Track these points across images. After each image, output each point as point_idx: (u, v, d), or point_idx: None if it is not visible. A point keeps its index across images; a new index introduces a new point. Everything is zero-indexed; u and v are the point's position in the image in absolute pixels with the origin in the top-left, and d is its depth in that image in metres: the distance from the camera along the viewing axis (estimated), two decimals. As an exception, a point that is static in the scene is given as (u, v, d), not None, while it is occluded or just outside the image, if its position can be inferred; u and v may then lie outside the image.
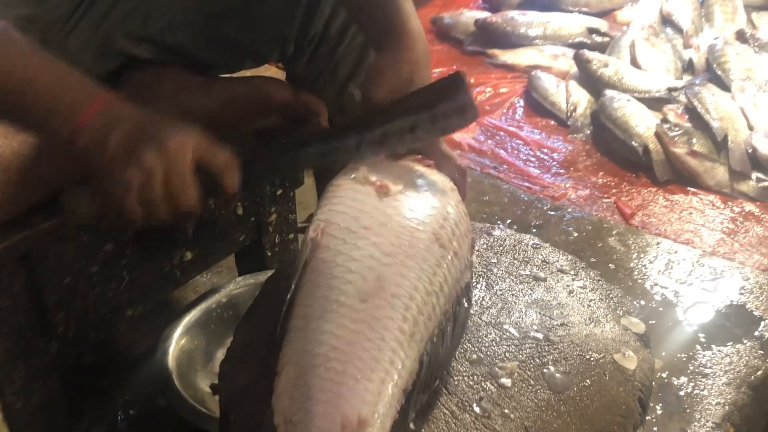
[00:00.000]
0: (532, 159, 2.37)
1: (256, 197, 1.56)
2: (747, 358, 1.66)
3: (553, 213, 2.13)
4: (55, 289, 1.27)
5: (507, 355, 0.95)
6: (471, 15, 3.07)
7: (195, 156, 0.99)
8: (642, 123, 2.32)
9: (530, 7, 3.06)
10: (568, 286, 1.08)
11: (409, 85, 1.15)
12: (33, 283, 1.24)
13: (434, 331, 0.87)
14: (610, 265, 1.93)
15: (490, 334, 0.98)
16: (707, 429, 1.52)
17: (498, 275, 1.09)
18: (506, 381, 0.91)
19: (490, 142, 2.44)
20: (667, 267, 1.93)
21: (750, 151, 2.23)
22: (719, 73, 2.51)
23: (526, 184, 2.25)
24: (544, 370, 0.93)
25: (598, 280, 1.10)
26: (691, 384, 1.61)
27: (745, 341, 1.71)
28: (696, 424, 1.53)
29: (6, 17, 1.25)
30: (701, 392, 1.59)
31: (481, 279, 1.07)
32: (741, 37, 2.71)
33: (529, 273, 1.09)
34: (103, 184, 0.99)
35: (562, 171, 2.31)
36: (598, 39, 2.89)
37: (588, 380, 0.92)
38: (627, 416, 0.89)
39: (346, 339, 0.81)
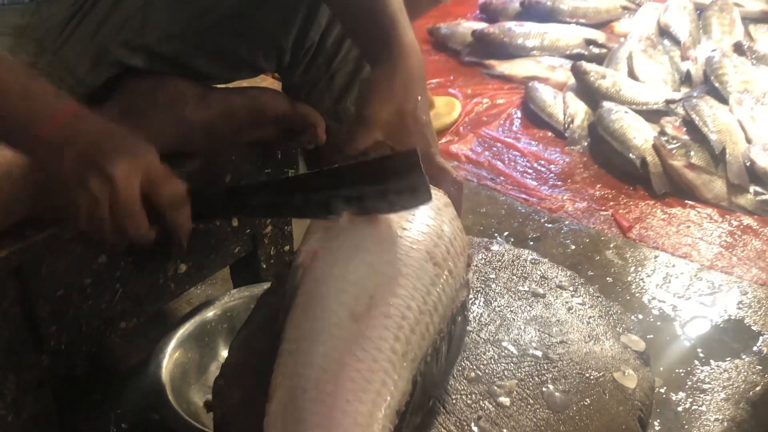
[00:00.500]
0: (530, 171, 2.36)
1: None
2: (745, 373, 1.65)
3: (550, 225, 2.12)
4: (48, 302, 1.26)
5: (506, 373, 0.93)
6: (468, 26, 3.07)
7: (144, 185, 0.98)
8: (639, 135, 2.31)
9: (528, 18, 3.06)
10: (567, 302, 1.07)
11: (404, 98, 1.14)
12: (25, 295, 1.23)
13: (428, 350, 0.85)
14: (608, 278, 1.92)
15: (489, 351, 0.96)
16: (706, 446, 1.51)
17: (496, 291, 1.07)
18: (505, 400, 0.90)
19: (487, 153, 2.43)
20: (665, 281, 1.92)
21: (748, 164, 2.22)
22: (717, 85, 2.51)
23: (524, 195, 2.24)
24: (543, 389, 0.92)
25: (597, 297, 1.09)
26: (690, 399, 1.59)
27: (743, 356, 1.69)
28: (694, 440, 1.52)
29: (1, 27, 1.25)
30: (699, 408, 1.57)
31: (479, 295, 1.06)
32: (738, 49, 2.71)
33: (527, 289, 1.08)
34: (58, 198, 0.99)
35: (559, 183, 2.30)
36: (596, 50, 2.89)
37: (587, 399, 0.91)
38: (627, 436, 0.88)
39: (337, 360, 0.80)
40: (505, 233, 2.09)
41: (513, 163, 2.39)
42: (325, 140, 1.44)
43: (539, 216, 2.16)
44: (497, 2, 3.24)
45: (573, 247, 2.04)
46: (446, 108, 2.59)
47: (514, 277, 1.11)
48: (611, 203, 2.21)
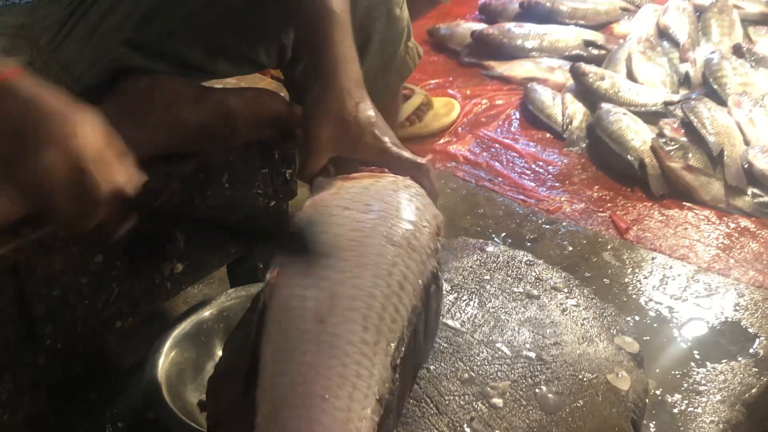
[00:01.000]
0: (528, 172, 2.36)
1: (249, 208, 1.55)
2: (741, 375, 1.65)
3: (547, 226, 2.12)
4: (44, 301, 1.26)
5: (499, 374, 0.94)
6: (467, 26, 3.07)
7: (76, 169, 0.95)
8: (638, 137, 2.31)
9: (527, 20, 3.05)
10: (561, 304, 1.07)
11: (341, 109, 1.16)
12: (21, 295, 1.23)
13: (403, 331, 0.86)
14: (605, 280, 1.92)
15: (482, 352, 0.97)
16: (701, 448, 1.51)
17: (491, 292, 1.08)
18: (498, 401, 0.90)
19: (485, 154, 2.43)
20: (662, 283, 1.92)
21: (746, 166, 2.22)
22: (715, 87, 2.50)
23: (521, 197, 2.25)
24: (537, 390, 0.92)
25: (592, 298, 1.09)
26: (685, 401, 1.59)
27: (739, 358, 1.69)
28: (690, 442, 1.52)
29: (-1, 27, 1.25)
30: (695, 410, 1.57)
31: (473, 296, 1.06)
32: (738, 51, 2.70)
33: (522, 290, 1.09)
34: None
35: (557, 184, 2.30)
36: (595, 52, 2.89)
37: (580, 401, 0.91)
38: (619, 438, 0.89)
39: (309, 363, 0.82)
40: (503, 234, 2.09)
41: (511, 164, 2.39)
42: None
43: (537, 217, 2.16)
44: (496, 3, 3.24)
45: (570, 248, 2.04)
46: (445, 108, 2.59)
47: (509, 278, 1.11)
48: (609, 205, 2.21)
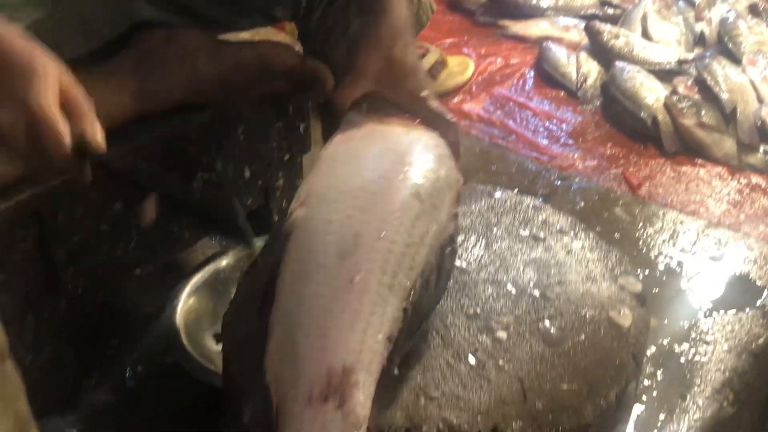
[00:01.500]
0: (541, 130, 2.37)
1: (264, 161, 1.58)
2: (749, 326, 1.67)
3: (560, 183, 2.14)
4: (65, 246, 1.30)
5: (503, 310, 0.97)
6: (483, -14, 3.07)
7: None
8: (651, 94, 2.32)
9: (543, -21, 3.05)
10: (566, 246, 1.09)
11: (391, 45, 1.16)
12: (43, 239, 1.27)
13: (416, 281, 0.89)
14: (616, 234, 1.93)
15: (488, 290, 1.00)
16: (707, 394, 1.53)
17: (498, 235, 1.10)
18: (502, 334, 0.93)
19: (499, 112, 2.45)
20: (672, 237, 1.94)
21: (759, 123, 2.23)
22: (730, 46, 2.50)
23: (534, 154, 2.26)
24: (540, 325, 0.95)
25: (597, 241, 1.12)
26: (693, 351, 1.62)
27: (747, 310, 1.71)
28: (696, 389, 1.54)
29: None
30: (702, 359, 1.60)
31: (481, 238, 1.09)
32: (754, 10, 2.70)
33: (528, 233, 1.11)
34: None
35: (570, 142, 2.32)
36: (610, 11, 2.88)
37: (582, 335, 0.94)
38: (620, 370, 0.91)
39: (327, 296, 0.84)
40: (515, 190, 2.09)
41: (525, 122, 2.41)
42: None
43: (549, 174, 2.18)
44: (513, -38, 3.23)
45: (582, 203, 2.05)
46: (459, 67, 2.60)
47: (516, 222, 1.14)
48: (622, 161, 2.22)
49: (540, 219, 1.14)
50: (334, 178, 0.96)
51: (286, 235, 0.91)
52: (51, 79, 0.94)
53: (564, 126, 2.38)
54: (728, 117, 2.27)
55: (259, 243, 1.53)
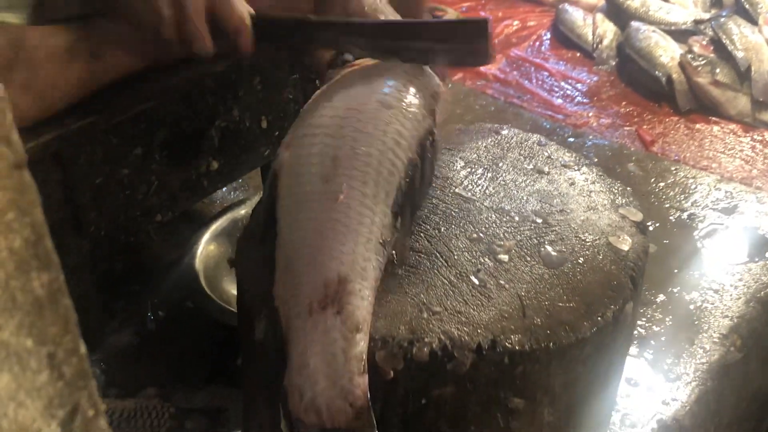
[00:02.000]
0: (556, 89, 2.40)
1: (280, 112, 1.62)
2: (757, 275, 1.70)
3: (573, 140, 2.16)
4: (87, 189, 1.34)
5: (506, 235, 1.00)
6: (501, -49, 3.08)
7: (208, 6, 1.05)
8: (666, 53, 2.34)
9: (560, -58, 3.06)
10: (570, 178, 1.12)
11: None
12: (66, 181, 1.31)
13: (400, 182, 0.95)
14: (628, 188, 1.95)
15: (491, 217, 1.03)
16: (714, 340, 1.56)
17: (503, 168, 1.13)
18: (504, 257, 0.96)
19: (515, 73, 2.47)
20: (684, 191, 1.96)
21: (773, 81, 2.24)
22: (747, 6, 2.51)
23: (549, 112, 2.29)
24: (541, 249, 0.98)
25: (601, 175, 1.14)
26: (701, 298, 1.65)
27: (756, 260, 1.74)
28: (704, 335, 1.57)
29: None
30: (710, 305, 1.63)
31: (486, 171, 1.12)
32: (772, -29, 2.69)
33: (533, 167, 1.14)
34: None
35: (585, 101, 2.34)
36: (627, -27, 2.89)
37: (581, 258, 0.97)
38: (617, 291, 0.94)
39: (318, 219, 0.91)
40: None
41: (540, 82, 2.43)
42: None
43: (563, 131, 2.20)
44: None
45: (596, 159, 2.08)
46: (476, 30, 2.62)
47: (521, 156, 1.16)
48: (636, 119, 2.24)
49: (545, 154, 1.17)
50: (310, 118, 1.03)
51: (276, 176, 0.97)
52: None
53: (579, 86, 2.41)
54: (743, 75, 2.28)
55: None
